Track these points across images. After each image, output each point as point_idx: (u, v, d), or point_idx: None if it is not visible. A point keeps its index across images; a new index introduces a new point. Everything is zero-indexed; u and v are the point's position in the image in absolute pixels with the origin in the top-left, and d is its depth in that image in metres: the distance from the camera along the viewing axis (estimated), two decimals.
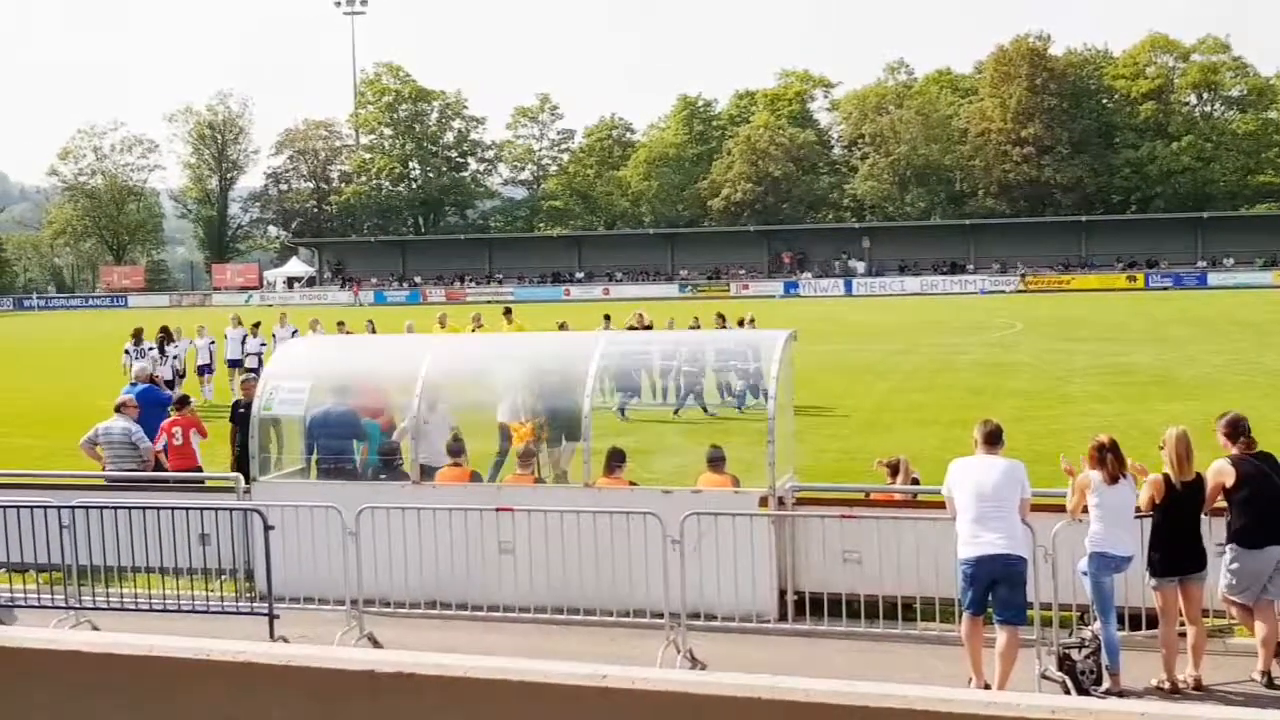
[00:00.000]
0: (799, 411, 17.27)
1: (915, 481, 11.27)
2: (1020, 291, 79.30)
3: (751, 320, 23.97)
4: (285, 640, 9.21)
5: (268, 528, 9.91)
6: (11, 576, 10.95)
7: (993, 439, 8.84)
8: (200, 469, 13.10)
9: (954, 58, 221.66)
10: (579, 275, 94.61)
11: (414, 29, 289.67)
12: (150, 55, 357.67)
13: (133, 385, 14.36)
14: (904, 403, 23.97)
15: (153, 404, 13.68)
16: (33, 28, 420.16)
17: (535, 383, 12.39)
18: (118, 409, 12.79)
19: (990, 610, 8.61)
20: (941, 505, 9.14)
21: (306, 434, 11.91)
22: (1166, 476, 8.67)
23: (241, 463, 12.54)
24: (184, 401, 13.96)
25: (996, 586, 8.50)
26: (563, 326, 24.50)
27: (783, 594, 10.21)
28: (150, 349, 25.62)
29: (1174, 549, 8.64)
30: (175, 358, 25.27)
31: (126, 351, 26.03)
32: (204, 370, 26.02)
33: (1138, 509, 8.75)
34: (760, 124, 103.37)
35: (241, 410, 13.31)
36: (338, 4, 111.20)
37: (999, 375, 28.73)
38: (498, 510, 10.43)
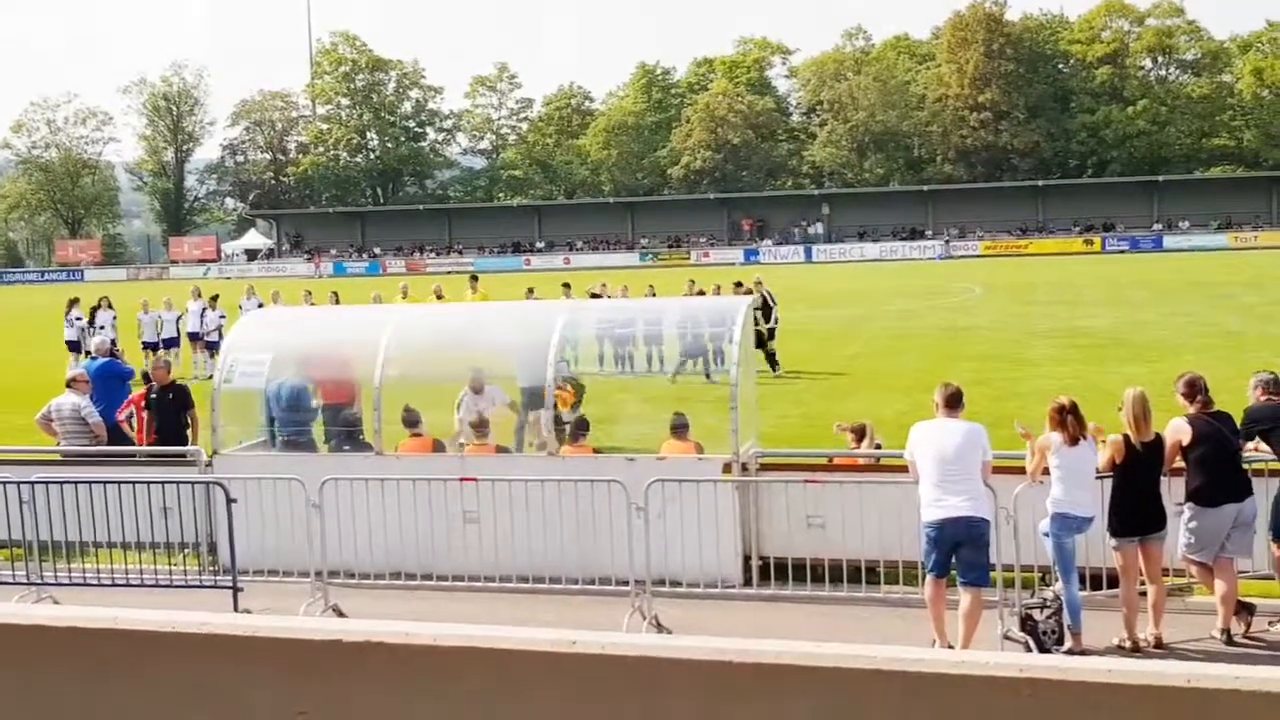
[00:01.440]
0: (761, 377, 17.32)
1: (879, 447, 11.34)
2: (978, 256, 79.81)
3: (758, 282, 23.83)
4: (249, 612, 9.16)
5: (230, 500, 9.83)
6: None
7: (953, 402, 8.88)
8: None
9: (911, 24, 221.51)
10: (539, 245, 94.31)
11: None
12: (103, 26, 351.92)
13: (92, 359, 14.17)
14: (865, 368, 24.10)
15: (112, 378, 13.53)
16: None
17: (562, 348, 12.44)
18: (68, 384, 12.64)
19: (954, 572, 8.68)
20: (904, 469, 9.20)
21: (267, 406, 11.81)
22: (1126, 437, 8.76)
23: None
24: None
25: (960, 549, 8.56)
26: (530, 293, 24.46)
27: (747, 560, 10.26)
28: (79, 319, 25.43)
29: (1134, 509, 8.73)
30: (102, 328, 24.99)
31: (69, 323, 25.90)
32: (170, 344, 25.70)
33: (1098, 470, 8.84)
34: (719, 91, 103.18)
35: (153, 395, 12.81)
36: None
37: (958, 339, 28.94)
38: (461, 480, 10.40)
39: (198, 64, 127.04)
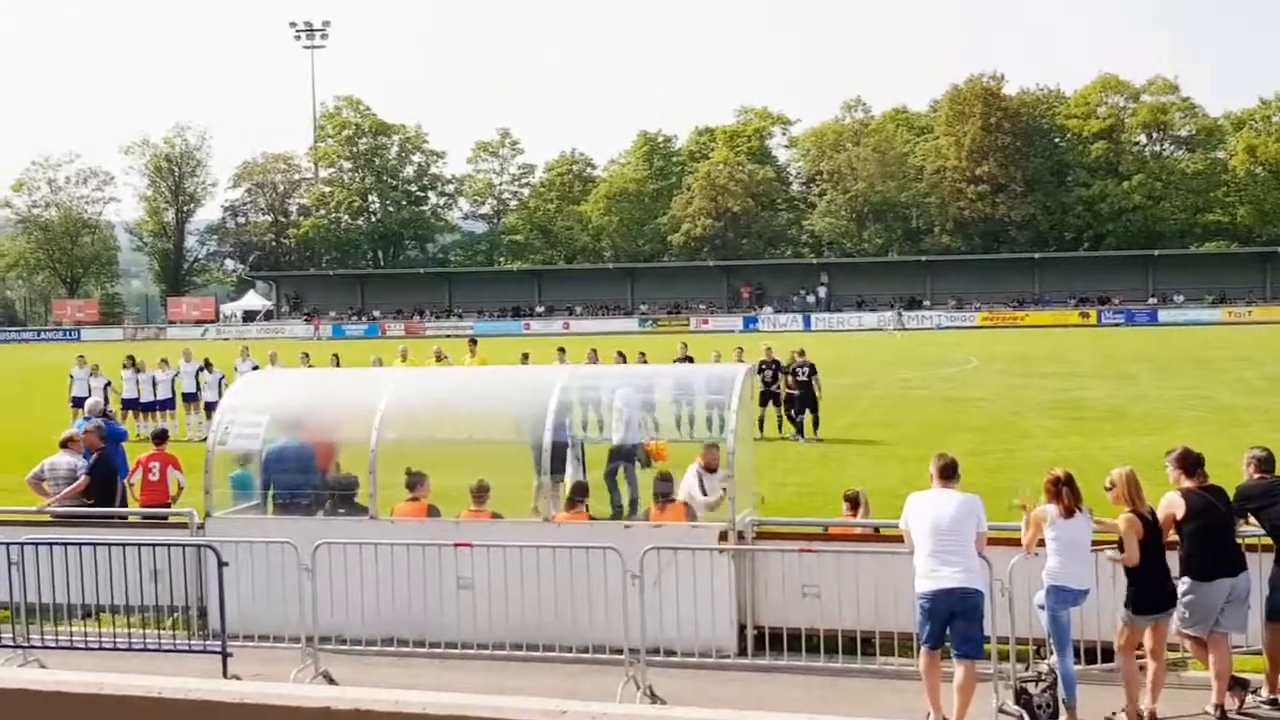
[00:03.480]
0: (757, 444, 17.29)
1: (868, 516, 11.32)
2: (976, 327, 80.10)
3: (800, 352, 25.11)
4: (238, 679, 9.07)
5: (221, 564, 9.77)
6: None
7: (948, 473, 8.87)
8: (170, 505, 12.92)
9: (910, 96, 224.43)
10: (539, 309, 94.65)
11: (374, 62, 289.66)
12: (107, 87, 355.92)
13: (86, 419, 14.15)
14: (862, 437, 24.10)
15: (106, 438, 13.49)
16: None
17: (654, 404, 12.63)
18: (63, 444, 12.61)
19: (948, 644, 8.62)
20: (900, 539, 9.16)
21: (263, 469, 11.78)
22: (1138, 513, 8.71)
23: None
24: (162, 437, 13.86)
25: (954, 620, 8.51)
26: (525, 358, 24.49)
27: (742, 629, 10.19)
28: (90, 375, 25.66)
29: (1154, 585, 8.68)
30: (105, 385, 25.26)
31: (72, 376, 26.04)
32: (165, 405, 25.73)
33: (1145, 543, 8.63)
34: (720, 160, 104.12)
35: (92, 461, 12.61)
36: (298, 37, 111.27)
37: (955, 410, 28.96)
38: (456, 546, 10.35)
39: (201, 126, 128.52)
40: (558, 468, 11.25)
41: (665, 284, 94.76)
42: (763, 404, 23.78)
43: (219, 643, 9.68)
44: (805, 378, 24.11)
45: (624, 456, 13.59)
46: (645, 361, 24.86)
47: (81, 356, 27.67)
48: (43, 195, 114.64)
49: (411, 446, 11.95)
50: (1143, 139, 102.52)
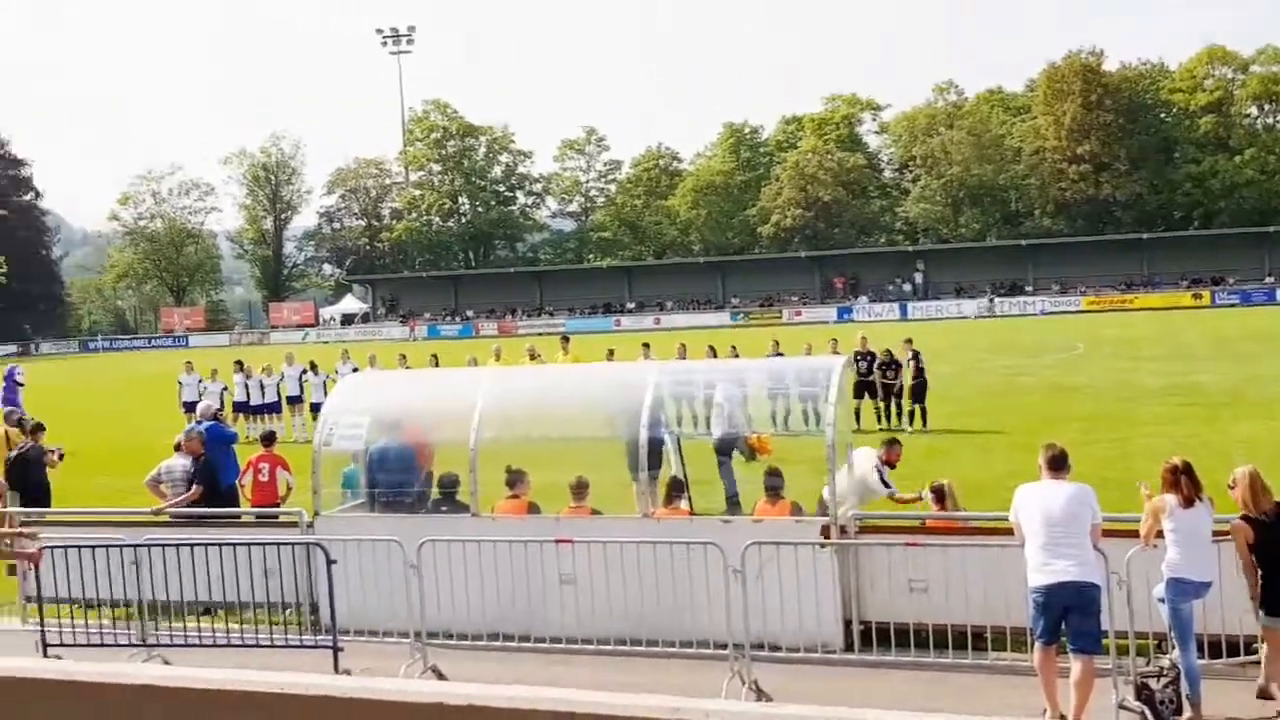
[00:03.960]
0: (856, 436, 17.11)
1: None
2: (1081, 311, 78.39)
3: (908, 341, 24.92)
4: (349, 674, 9.24)
5: (330, 562, 9.96)
6: (86, 612, 11.12)
7: (1057, 464, 8.69)
8: (279, 505, 13.24)
9: (1004, 77, 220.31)
10: (630, 305, 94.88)
11: (459, 66, 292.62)
12: (205, 100, 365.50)
13: (198, 422, 14.55)
14: (966, 426, 23.72)
15: (218, 441, 13.87)
16: (89, 77, 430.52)
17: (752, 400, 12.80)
18: (177, 447, 12.99)
19: (1064, 639, 8.44)
20: (1008, 531, 8.99)
21: (366, 469, 11.99)
22: (1245, 517, 8.48)
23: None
24: (271, 439, 14.22)
25: (1069, 614, 8.32)
26: (611, 355, 24.60)
27: (848, 624, 10.09)
28: (199, 381, 26.46)
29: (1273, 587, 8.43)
30: (224, 389, 26.07)
31: (180, 383, 26.91)
32: (272, 408, 26.39)
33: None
34: (808, 149, 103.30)
35: (196, 467, 13.01)
36: (384, 44, 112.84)
37: (1063, 398, 28.35)
38: (557, 542, 10.43)
39: (295, 134, 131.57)
40: (654, 463, 11.25)
41: (756, 277, 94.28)
42: (858, 396, 23.35)
43: (330, 638, 9.86)
44: (918, 367, 23.86)
45: (724, 451, 13.55)
46: (737, 356, 24.81)
47: (189, 363, 28.54)
48: (148, 207, 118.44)
49: (507, 444, 12.06)
50: (1254, 111, 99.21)
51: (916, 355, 24.09)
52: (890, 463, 11.82)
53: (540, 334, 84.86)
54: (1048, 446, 8.83)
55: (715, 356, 24.31)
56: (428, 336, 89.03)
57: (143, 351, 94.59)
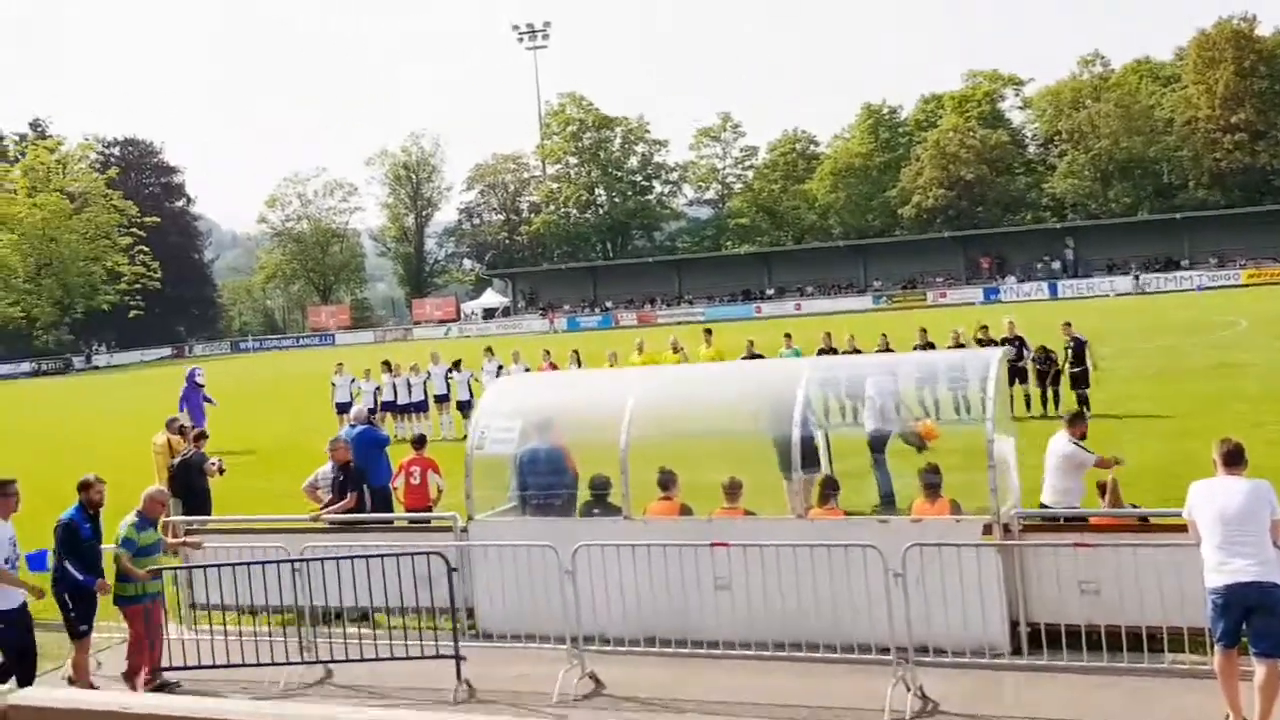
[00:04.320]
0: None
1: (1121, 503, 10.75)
2: (1241, 285, 75.10)
3: (1067, 325, 23.88)
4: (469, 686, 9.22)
5: (451, 570, 9.95)
6: (254, 618, 11.47)
7: (1233, 459, 8.34)
8: (431, 508, 13.48)
9: (1152, 47, 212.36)
10: (769, 292, 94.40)
11: (593, 58, 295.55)
12: (347, 102, 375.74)
13: (351, 426, 14.89)
14: (1127, 411, 22.90)
15: (370, 445, 14.16)
16: (235, 82, 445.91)
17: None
18: (330, 452, 13.29)
19: (1245, 641, 8.07)
20: (1182, 529, 8.64)
21: (518, 472, 12.11)
22: None
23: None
24: (421, 442, 14.47)
25: (1251, 616, 7.97)
26: (751, 345, 24.46)
27: (1014, 626, 9.80)
28: (352, 380, 27.09)
29: None
30: (378, 388, 26.65)
31: (333, 384, 27.63)
32: (419, 407, 26.83)
33: None
34: (949, 127, 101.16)
35: (342, 478, 13.07)
36: (520, 39, 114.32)
37: (1227, 378, 27.16)
38: (712, 546, 10.37)
39: (435, 132, 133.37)
40: (808, 463, 11.11)
41: (899, 259, 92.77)
42: (1009, 382, 22.72)
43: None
44: (1079, 353, 22.98)
45: (878, 447, 13.33)
46: (887, 344, 24.38)
47: (340, 364, 29.14)
48: (294, 209, 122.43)
49: (657, 445, 12.04)
50: None
51: (1078, 342, 23.23)
52: (1081, 437, 11.46)
53: (679, 323, 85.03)
54: (1223, 441, 8.48)
55: (856, 350, 23.83)
56: (567, 329, 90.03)
57: (291, 350, 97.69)
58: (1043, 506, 11.02)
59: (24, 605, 9.67)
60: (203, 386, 26.93)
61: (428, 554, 10.40)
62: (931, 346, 23.39)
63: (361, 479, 13.11)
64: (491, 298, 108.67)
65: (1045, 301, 76.89)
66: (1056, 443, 11.39)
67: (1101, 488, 10.87)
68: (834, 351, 23.82)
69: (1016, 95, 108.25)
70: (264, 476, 21.70)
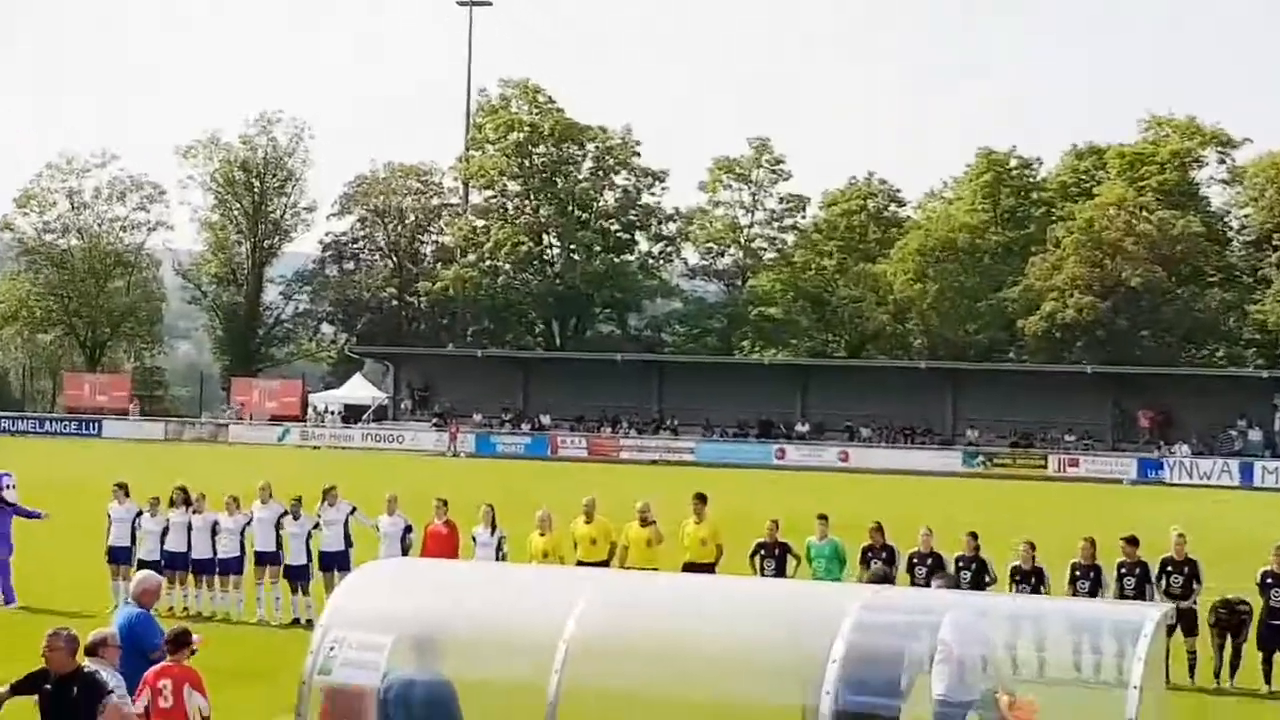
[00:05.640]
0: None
1: None
2: None
3: (1180, 539, 23.94)
4: None
5: None
6: None
7: None
8: None
9: None
10: (801, 428, 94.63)
11: (562, 32, 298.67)
12: (155, 55, 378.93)
13: (125, 602, 14.80)
14: None
15: (137, 649, 14.13)
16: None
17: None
18: (88, 651, 13.15)
19: None
20: None
21: (381, 715, 12.12)
22: None
23: None
24: (182, 640, 14.15)
25: None
26: (774, 530, 24.45)
27: None
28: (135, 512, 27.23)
29: None
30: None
31: (109, 516, 27.69)
32: (227, 566, 26.91)
33: None
34: (1111, 200, 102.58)
35: (48, 686, 12.70)
36: None
37: None
38: None
39: (296, 119, 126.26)
40: None
41: (1007, 397, 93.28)
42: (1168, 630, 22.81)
43: None
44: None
45: None
46: (976, 550, 24.41)
47: (122, 487, 28.69)
48: (60, 215, 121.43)
49: (603, 697, 12.08)
50: None
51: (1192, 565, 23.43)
52: None
53: (653, 461, 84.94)
54: None
55: (930, 540, 23.98)
56: (476, 452, 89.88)
57: (30, 438, 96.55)
58: None
59: None
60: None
61: None
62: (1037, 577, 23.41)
63: (95, 701, 12.85)
64: (360, 387, 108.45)
65: (1233, 489, 77.32)
66: None
67: None
68: (891, 554, 23.86)
69: (1222, 163, 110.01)
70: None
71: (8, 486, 28.48)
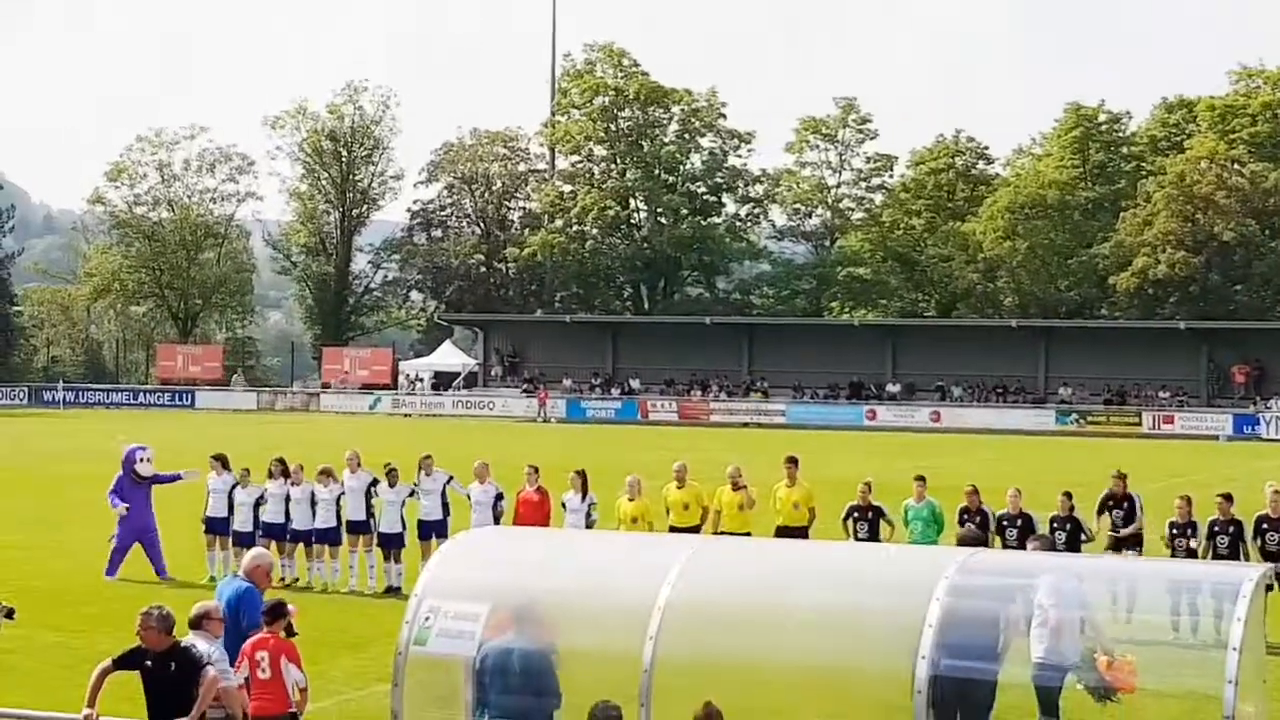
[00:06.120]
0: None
1: None
2: None
3: (1276, 494, 23.14)
4: None
5: None
6: None
7: None
8: (295, 717, 13.46)
9: None
10: (893, 388, 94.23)
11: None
12: (241, 30, 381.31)
13: (233, 575, 14.86)
14: None
15: (250, 619, 14.23)
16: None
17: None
18: (192, 625, 13.27)
19: None
20: None
21: (476, 685, 12.19)
22: None
23: None
24: (279, 611, 14.25)
25: None
26: (866, 493, 24.33)
27: None
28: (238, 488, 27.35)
29: None
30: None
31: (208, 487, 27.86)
32: (323, 536, 26.97)
33: None
34: (1203, 153, 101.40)
35: (148, 663, 12.80)
36: None
37: None
38: None
39: (383, 88, 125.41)
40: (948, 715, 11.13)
41: (1100, 354, 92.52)
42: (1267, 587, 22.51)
43: None
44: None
45: (1048, 705, 13.27)
46: (1071, 510, 24.23)
47: (221, 458, 28.82)
48: (150, 188, 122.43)
49: (699, 664, 12.08)
50: None
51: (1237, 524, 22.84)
52: None
53: (744, 424, 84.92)
54: None
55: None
56: (567, 417, 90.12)
57: (124, 409, 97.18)
58: None
59: None
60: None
61: None
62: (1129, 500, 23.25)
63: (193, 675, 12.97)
64: (449, 355, 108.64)
65: None
66: None
67: None
68: (984, 516, 23.73)
69: None
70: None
71: (142, 459, 28.35)
